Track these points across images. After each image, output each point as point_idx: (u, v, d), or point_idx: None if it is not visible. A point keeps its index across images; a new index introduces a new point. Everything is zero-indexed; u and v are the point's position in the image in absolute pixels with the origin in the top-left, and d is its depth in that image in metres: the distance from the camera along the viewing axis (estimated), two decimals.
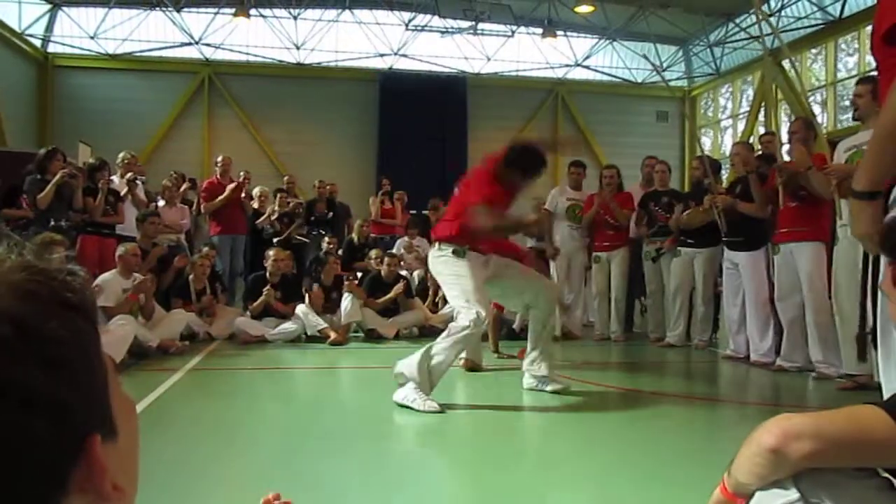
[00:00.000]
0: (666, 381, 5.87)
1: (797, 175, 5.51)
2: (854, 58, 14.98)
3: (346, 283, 7.62)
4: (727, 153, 17.68)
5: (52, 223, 6.49)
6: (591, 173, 10.48)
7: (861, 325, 2.28)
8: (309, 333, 7.34)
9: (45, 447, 0.48)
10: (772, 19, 14.90)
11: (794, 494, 1.13)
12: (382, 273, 7.82)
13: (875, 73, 2.17)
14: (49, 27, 16.42)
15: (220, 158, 9.37)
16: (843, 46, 15.21)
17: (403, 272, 8.74)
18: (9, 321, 0.46)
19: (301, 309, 7.38)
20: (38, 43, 16.23)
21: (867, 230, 1.75)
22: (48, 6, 16.06)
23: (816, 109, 15.62)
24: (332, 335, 7.14)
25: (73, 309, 0.51)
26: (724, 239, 6.50)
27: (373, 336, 7.54)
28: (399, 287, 7.72)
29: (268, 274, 7.59)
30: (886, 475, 1.17)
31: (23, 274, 0.49)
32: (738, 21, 16.23)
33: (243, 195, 9.08)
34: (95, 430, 0.53)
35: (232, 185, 8.81)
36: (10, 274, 0.48)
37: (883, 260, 1.44)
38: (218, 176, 9.12)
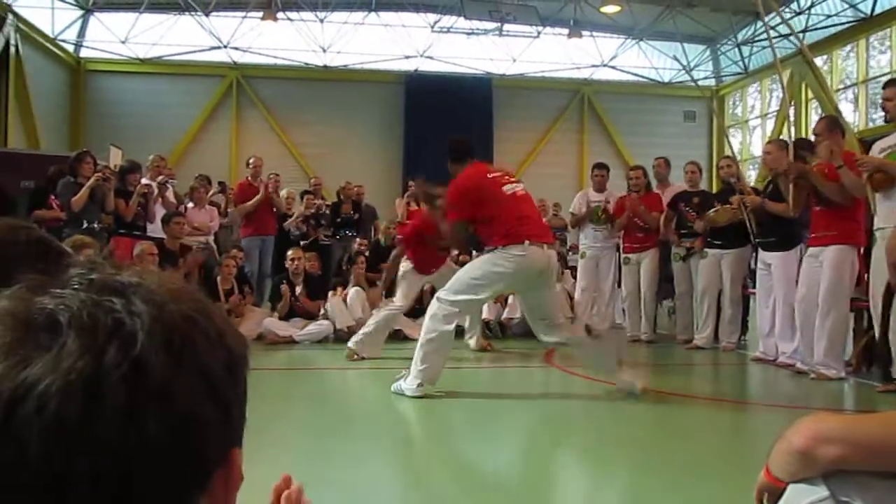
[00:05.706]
0: (694, 383, 5.83)
1: (807, 175, 5.43)
2: (886, 56, 14.73)
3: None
4: (756, 153, 17.46)
5: (85, 225, 6.60)
6: (619, 174, 10.46)
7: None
8: (338, 327, 7.37)
9: (210, 432, 0.52)
10: (801, 17, 14.72)
11: (823, 492, 1.12)
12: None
13: None
14: (81, 32, 16.67)
15: (251, 160, 9.32)
16: (876, 44, 14.96)
17: None
18: (217, 332, 0.56)
19: (333, 302, 7.43)
20: (70, 48, 16.50)
21: None
22: (80, 12, 16.31)
23: (848, 108, 15.40)
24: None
25: (245, 347, 0.60)
26: (757, 240, 6.40)
27: (399, 337, 7.50)
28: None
29: (290, 275, 7.65)
30: None
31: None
32: (766, 19, 16.04)
33: (272, 191, 9.09)
34: (238, 445, 0.57)
35: (262, 189, 8.85)
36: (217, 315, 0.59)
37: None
38: (249, 177, 9.17)
